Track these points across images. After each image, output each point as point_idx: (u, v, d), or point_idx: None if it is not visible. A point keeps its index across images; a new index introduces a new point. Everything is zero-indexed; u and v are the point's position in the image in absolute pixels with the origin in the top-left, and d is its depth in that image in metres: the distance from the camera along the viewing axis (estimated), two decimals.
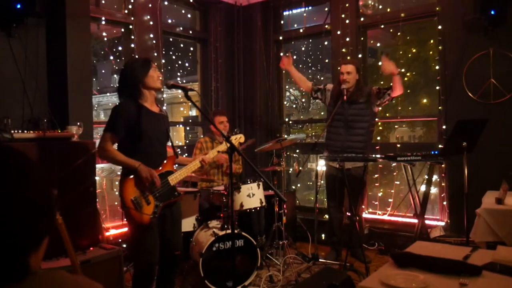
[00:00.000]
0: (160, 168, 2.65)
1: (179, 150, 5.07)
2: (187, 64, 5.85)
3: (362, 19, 4.91)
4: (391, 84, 3.88)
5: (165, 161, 2.70)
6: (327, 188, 4.25)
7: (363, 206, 4.83)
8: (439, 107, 4.41)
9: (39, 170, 0.87)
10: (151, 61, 2.67)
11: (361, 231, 4.14)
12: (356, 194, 4.02)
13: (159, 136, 2.67)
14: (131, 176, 2.53)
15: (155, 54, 4.72)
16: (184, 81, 7.17)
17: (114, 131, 2.54)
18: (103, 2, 4.39)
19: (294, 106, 9.82)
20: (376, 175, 4.98)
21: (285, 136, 5.19)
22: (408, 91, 5.92)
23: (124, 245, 3.83)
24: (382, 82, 5.50)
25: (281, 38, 5.63)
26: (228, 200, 3.53)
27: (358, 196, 4.05)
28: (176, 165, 2.89)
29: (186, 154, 5.08)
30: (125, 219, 2.70)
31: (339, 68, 4.97)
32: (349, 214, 4.16)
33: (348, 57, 4.86)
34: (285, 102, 6.02)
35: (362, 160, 3.73)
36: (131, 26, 4.60)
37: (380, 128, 6.05)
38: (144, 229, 2.54)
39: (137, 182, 2.53)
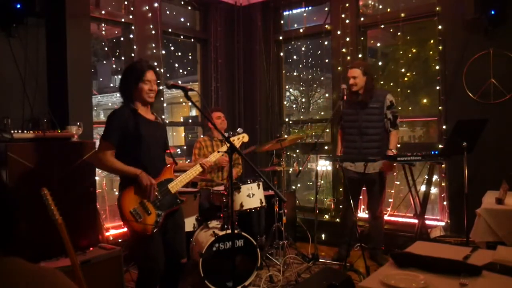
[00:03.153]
0: (160, 175, 2.61)
1: (178, 150, 5.08)
2: (187, 64, 5.85)
3: (362, 19, 4.91)
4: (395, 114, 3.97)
5: (164, 169, 2.65)
6: (350, 191, 4.17)
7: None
8: (439, 107, 4.41)
9: None
10: (145, 72, 2.56)
11: (382, 233, 4.11)
12: (377, 197, 4.02)
13: (156, 143, 2.63)
14: (129, 187, 2.50)
15: (155, 54, 4.72)
16: (184, 81, 7.17)
17: (110, 138, 2.50)
18: (103, 2, 4.39)
19: (294, 106, 9.83)
20: None
21: (285, 136, 5.19)
22: (408, 91, 5.92)
23: (123, 245, 3.83)
24: (382, 82, 5.51)
25: (281, 38, 5.63)
26: (228, 200, 3.53)
27: (380, 198, 4.04)
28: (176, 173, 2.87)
29: (186, 155, 5.08)
30: (126, 228, 2.66)
31: (339, 68, 4.99)
32: (369, 215, 4.15)
33: (349, 58, 4.86)
34: (285, 102, 6.02)
35: (361, 160, 3.73)
36: (131, 26, 4.60)
37: None
38: (147, 238, 2.51)
39: (136, 193, 2.49)
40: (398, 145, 4.19)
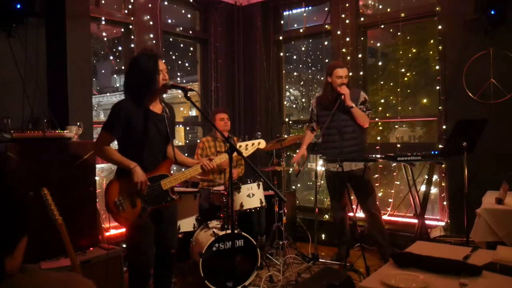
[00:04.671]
0: (156, 170, 2.60)
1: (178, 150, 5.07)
2: (187, 64, 5.85)
3: (362, 19, 4.91)
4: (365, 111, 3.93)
5: (161, 164, 2.64)
6: (328, 189, 4.22)
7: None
8: (439, 107, 4.41)
9: (5, 173, 0.87)
10: (157, 62, 2.56)
11: (382, 229, 4.05)
12: (367, 193, 4.00)
13: (159, 137, 2.63)
14: (120, 178, 2.51)
15: None
16: (184, 81, 7.17)
17: (110, 131, 2.52)
18: (103, 2, 4.39)
19: (294, 106, 9.84)
20: (376, 175, 4.98)
21: (285, 136, 5.19)
22: (408, 91, 5.92)
23: (124, 245, 3.83)
24: (382, 82, 5.51)
25: (281, 38, 5.63)
26: (228, 200, 3.53)
27: (371, 195, 4.02)
28: (178, 166, 2.86)
29: (186, 154, 5.07)
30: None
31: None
32: (364, 214, 4.14)
33: (349, 58, 4.85)
34: (285, 102, 6.02)
35: (362, 160, 3.73)
36: (131, 26, 4.60)
37: (380, 128, 6.04)
38: (139, 230, 2.53)
39: (126, 184, 2.49)
40: (398, 144, 4.16)
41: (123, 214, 2.48)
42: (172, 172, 2.74)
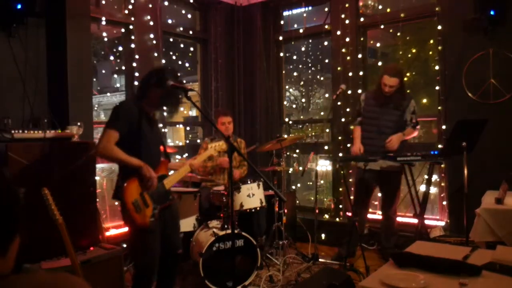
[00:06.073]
0: (156, 171, 2.63)
1: (179, 150, 5.08)
2: (187, 64, 5.86)
3: (362, 19, 4.91)
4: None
5: (159, 165, 2.71)
6: (357, 191, 4.14)
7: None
8: (439, 107, 4.41)
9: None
10: (169, 79, 2.57)
11: (392, 232, 4.06)
12: (390, 194, 3.99)
13: (156, 140, 2.72)
14: (133, 179, 2.52)
15: (155, 54, 4.72)
16: (184, 81, 7.17)
17: (117, 128, 2.51)
18: (103, 2, 4.39)
19: (294, 106, 9.84)
20: None
21: (285, 136, 5.20)
22: (408, 91, 5.92)
23: (124, 245, 3.83)
24: None
25: (281, 38, 5.63)
26: (228, 200, 3.53)
27: (390, 197, 4.00)
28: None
29: (187, 154, 5.08)
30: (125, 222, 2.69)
31: (339, 68, 4.97)
32: (382, 215, 4.16)
33: (349, 58, 4.85)
34: (285, 102, 6.02)
35: (361, 160, 3.73)
36: (131, 26, 4.60)
37: None
38: (145, 231, 2.54)
39: (138, 184, 2.53)
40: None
41: (141, 213, 2.50)
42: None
